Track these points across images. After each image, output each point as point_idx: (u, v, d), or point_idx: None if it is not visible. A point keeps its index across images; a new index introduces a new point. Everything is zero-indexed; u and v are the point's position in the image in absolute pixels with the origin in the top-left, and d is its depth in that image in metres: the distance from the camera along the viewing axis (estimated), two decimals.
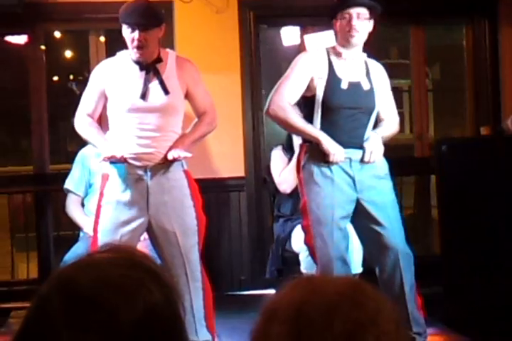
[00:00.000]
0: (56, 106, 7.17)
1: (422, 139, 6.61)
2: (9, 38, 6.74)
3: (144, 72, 4.32)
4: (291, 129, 4.61)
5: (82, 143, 5.07)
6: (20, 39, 6.62)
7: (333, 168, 4.40)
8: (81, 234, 5.28)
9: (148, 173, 4.28)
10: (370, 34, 4.54)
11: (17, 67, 7.27)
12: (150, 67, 4.33)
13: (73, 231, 5.90)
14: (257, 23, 6.43)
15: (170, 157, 4.25)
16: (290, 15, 6.59)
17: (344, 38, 4.49)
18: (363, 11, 4.45)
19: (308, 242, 4.51)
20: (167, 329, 1.29)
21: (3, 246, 6.66)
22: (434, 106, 9.40)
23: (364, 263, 5.03)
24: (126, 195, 4.27)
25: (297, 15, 6.60)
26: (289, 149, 5.47)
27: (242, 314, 5.28)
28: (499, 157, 5.19)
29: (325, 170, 4.41)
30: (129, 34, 4.28)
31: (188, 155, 4.32)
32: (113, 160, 4.22)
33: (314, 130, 4.41)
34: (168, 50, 4.53)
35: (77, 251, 4.92)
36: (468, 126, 6.91)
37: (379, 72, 4.60)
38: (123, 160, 4.20)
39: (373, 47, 4.83)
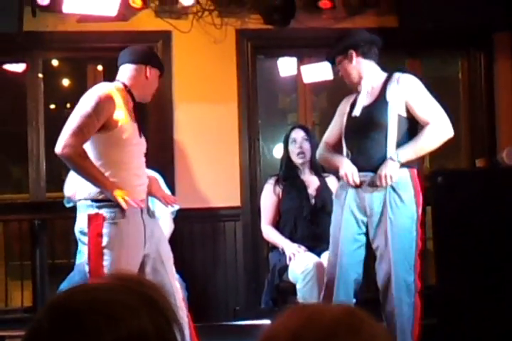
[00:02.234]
0: (53, 134, 7.16)
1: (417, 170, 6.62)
2: (7, 66, 6.77)
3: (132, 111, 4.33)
4: (328, 166, 5.10)
5: None
6: (19, 67, 6.65)
7: (348, 191, 4.57)
8: (76, 263, 5.26)
9: (142, 207, 4.25)
10: (380, 57, 4.74)
11: (15, 95, 7.29)
12: (138, 107, 4.41)
13: (68, 259, 5.89)
14: (254, 53, 6.48)
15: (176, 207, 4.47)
16: (287, 46, 6.64)
17: None
18: (336, 59, 4.72)
19: None
20: None
21: None
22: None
23: (356, 295, 5.02)
24: (129, 235, 4.15)
25: (294, 46, 6.64)
26: (283, 178, 5.51)
27: None
28: (495, 189, 5.19)
29: (341, 192, 4.64)
30: (157, 80, 4.45)
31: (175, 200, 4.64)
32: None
33: (335, 158, 4.72)
34: None
35: (73, 279, 4.90)
36: (464, 157, 6.93)
37: (401, 83, 4.58)
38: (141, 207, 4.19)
39: None
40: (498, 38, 6.67)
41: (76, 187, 4.65)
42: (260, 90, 6.67)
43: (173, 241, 5.36)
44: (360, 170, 4.51)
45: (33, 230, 6.32)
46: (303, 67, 6.78)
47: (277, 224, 5.48)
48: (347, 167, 4.54)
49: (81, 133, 4.07)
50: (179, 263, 4.71)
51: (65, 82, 9.80)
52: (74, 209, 5.26)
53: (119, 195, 4.08)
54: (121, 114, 4.20)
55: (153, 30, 6.25)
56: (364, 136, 4.53)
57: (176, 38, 6.29)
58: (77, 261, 5.25)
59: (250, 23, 6.38)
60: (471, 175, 5.58)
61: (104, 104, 4.14)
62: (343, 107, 4.78)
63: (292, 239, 5.31)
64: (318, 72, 6.72)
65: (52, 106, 8.26)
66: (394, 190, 4.50)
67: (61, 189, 5.16)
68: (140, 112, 4.42)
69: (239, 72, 6.39)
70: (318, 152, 4.92)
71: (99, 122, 4.10)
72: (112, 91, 4.25)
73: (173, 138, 6.22)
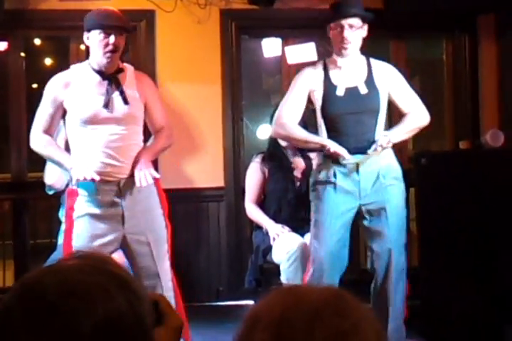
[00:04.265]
0: (35, 113, 7.12)
1: (401, 152, 6.63)
2: None
3: (105, 82, 4.30)
4: (297, 143, 4.76)
5: None
6: (0, 46, 6.59)
7: (338, 174, 4.49)
8: (59, 243, 5.24)
9: (121, 187, 4.26)
10: (365, 39, 4.60)
11: None
12: (112, 77, 4.32)
13: (50, 239, 5.87)
14: (238, 33, 6.44)
15: (139, 184, 4.20)
16: (272, 26, 6.61)
17: (337, 48, 4.59)
18: (355, 22, 4.52)
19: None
20: (131, 336, 1.28)
21: None
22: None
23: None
24: (100, 210, 4.24)
25: (279, 27, 6.61)
26: (270, 158, 5.46)
27: (220, 325, 5.27)
28: (478, 171, 5.21)
29: (328, 176, 4.52)
30: (102, 38, 4.25)
31: (157, 175, 4.33)
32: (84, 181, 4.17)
33: (318, 137, 4.53)
34: (125, 63, 4.49)
35: (55, 259, 4.87)
36: (448, 139, 6.94)
37: (385, 72, 4.64)
38: (94, 180, 4.15)
39: None
40: (482, 21, 6.67)
41: (56, 176, 4.74)
42: (244, 71, 6.64)
43: None
44: (350, 152, 4.44)
45: (15, 210, 6.29)
46: (287, 48, 6.75)
47: (262, 204, 5.46)
48: (340, 147, 4.41)
49: (39, 124, 4.36)
50: None
51: (48, 61, 9.74)
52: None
53: (75, 171, 4.19)
54: (78, 94, 4.26)
55: (136, 9, 6.19)
56: (356, 120, 4.49)
57: (160, 18, 6.25)
58: (59, 241, 5.23)
59: (234, 3, 6.34)
60: (455, 157, 5.61)
61: (52, 90, 4.33)
62: (309, 82, 4.60)
63: (276, 220, 5.30)
64: (303, 53, 6.70)
65: (35, 86, 8.22)
66: (385, 168, 4.52)
67: (43, 169, 5.13)
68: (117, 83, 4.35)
69: (223, 52, 6.36)
70: (283, 128, 4.61)
71: (54, 109, 4.32)
72: (68, 73, 4.37)
73: None
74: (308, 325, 1.23)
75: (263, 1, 6.20)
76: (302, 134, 4.56)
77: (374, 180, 4.50)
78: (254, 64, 7.96)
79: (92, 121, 4.23)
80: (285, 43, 6.77)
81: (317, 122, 4.59)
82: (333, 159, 4.49)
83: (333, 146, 4.42)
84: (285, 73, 6.82)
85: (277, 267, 5.07)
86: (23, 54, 6.46)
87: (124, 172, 4.27)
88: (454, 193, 5.16)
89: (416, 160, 5.33)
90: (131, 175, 4.26)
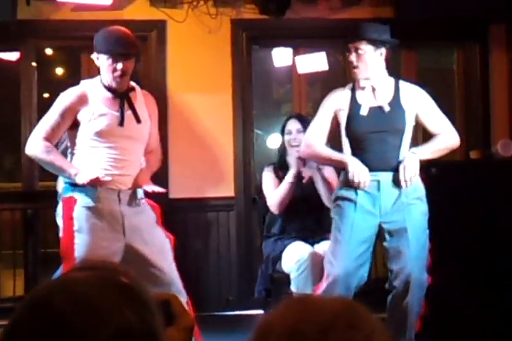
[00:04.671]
0: None
1: None
2: (1, 55, 6.74)
3: (118, 100, 4.32)
4: (322, 161, 4.83)
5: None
6: (12, 56, 6.62)
7: (359, 191, 4.49)
8: None
9: (121, 197, 4.27)
10: (387, 59, 4.59)
11: (8, 83, 7.26)
12: (124, 96, 4.34)
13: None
14: (249, 43, 6.45)
15: (150, 190, 4.36)
16: (282, 36, 6.62)
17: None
18: (363, 46, 4.49)
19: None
20: None
21: None
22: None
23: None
24: (102, 220, 4.22)
25: (289, 37, 6.62)
26: (280, 168, 5.44)
27: (230, 334, 5.27)
28: (488, 181, 5.20)
29: (349, 193, 4.51)
30: (110, 63, 4.25)
31: (164, 190, 4.55)
32: (89, 184, 4.14)
33: (340, 155, 4.57)
34: (131, 82, 4.48)
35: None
36: (458, 149, 6.90)
37: (413, 94, 4.62)
38: (102, 183, 4.16)
39: None
40: (493, 30, 6.66)
41: None
42: (255, 80, 6.65)
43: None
44: (372, 169, 4.45)
45: (26, 219, 6.30)
46: (298, 58, 6.76)
47: (272, 215, 5.42)
48: (359, 169, 4.42)
49: (42, 130, 4.27)
50: None
51: (59, 71, 9.76)
52: None
53: (82, 175, 4.16)
54: (94, 108, 4.26)
55: (147, 20, 6.22)
56: (380, 139, 4.49)
57: (171, 28, 6.27)
58: None
59: (245, 12, 6.35)
60: (465, 167, 5.59)
61: (67, 101, 4.27)
62: (335, 103, 4.63)
63: (285, 230, 5.28)
64: (313, 62, 6.71)
65: (46, 95, 8.24)
66: (408, 187, 4.48)
67: (54, 178, 5.15)
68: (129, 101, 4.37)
69: (233, 62, 6.37)
70: (308, 148, 4.67)
71: (64, 119, 4.26)
72: (83, 88, 4.34)
73: (167, 128, 6.19)
74: (321, 336, 1.22)
75: (274, 10, 6.21)
76: (326, 152, 4.62)
77: (395, 198, 4.48)
78: (265, 73, 7.97)
79: (106, 136, 4.25)
80: (296, 53, 6.79)
81: (341, 140, 4.62)
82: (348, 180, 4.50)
83: (355, 170, 4.42)
84: (295, 83, 6.83)
85: (287, 276, 5.05)
86: (34, 64, 6.48)
87: (125, 183, 4.30)
88: (464, 203, 5.14)
89: (426, 169, 5.31)
90: (130, 188, 4.31)
